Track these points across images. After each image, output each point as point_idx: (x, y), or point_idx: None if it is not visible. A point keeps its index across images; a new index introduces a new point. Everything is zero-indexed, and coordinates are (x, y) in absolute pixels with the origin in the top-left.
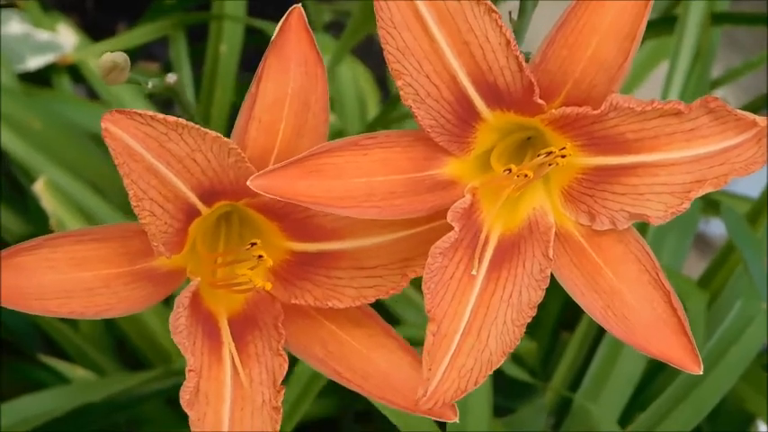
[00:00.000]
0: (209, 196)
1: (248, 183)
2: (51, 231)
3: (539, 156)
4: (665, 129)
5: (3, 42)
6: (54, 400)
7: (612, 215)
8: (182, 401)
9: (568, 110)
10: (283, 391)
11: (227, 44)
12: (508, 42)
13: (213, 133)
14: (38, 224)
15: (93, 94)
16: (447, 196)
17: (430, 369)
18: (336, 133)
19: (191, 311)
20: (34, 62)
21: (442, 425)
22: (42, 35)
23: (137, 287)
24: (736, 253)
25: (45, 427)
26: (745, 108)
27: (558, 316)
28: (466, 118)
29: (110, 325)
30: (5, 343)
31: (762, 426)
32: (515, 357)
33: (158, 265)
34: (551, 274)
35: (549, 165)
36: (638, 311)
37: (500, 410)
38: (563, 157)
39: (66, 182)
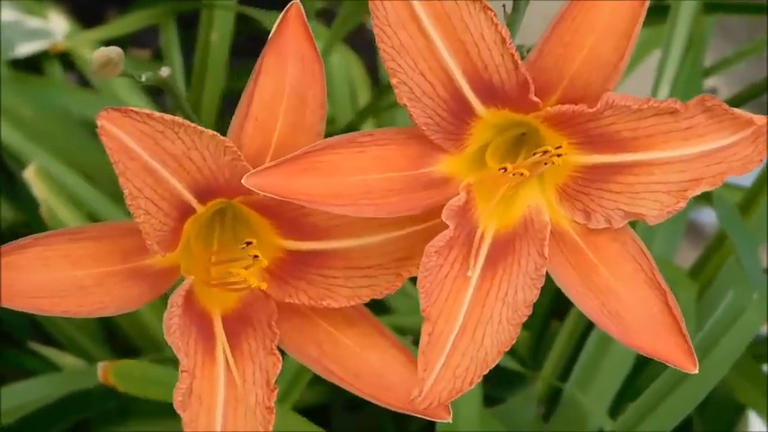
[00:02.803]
0: (204, 194)
1: (243, 181)
2: (42, 219)
3: (534, 154)
4: (661, 127)
5: None
6: (44, 387)
7: (608, 213)
8: (174, 403)
9: (564, 108)
10: (276, 391)
11: (219, 32)
12: (503, 40)
13: (209, 132)
14: (28, 212)
15: (84, 82)
16: (442, 193)
17: (425, 369)
18: (327, 121)
19: (184, 310)
20: (25, 49)
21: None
22: (33, 22)
23: (130, 285)
24: (727, 242)
25: (35, 414)
26: (737, 97)
27: (548, 305)
28: (461, 115)
29: None
30: None
31: (752, 416)
32: None
33: (152, 263)
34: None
35: (545, 163)
36: (634, 310)
37: (490, 400)
38: (558, 156)
39: (57, 169)
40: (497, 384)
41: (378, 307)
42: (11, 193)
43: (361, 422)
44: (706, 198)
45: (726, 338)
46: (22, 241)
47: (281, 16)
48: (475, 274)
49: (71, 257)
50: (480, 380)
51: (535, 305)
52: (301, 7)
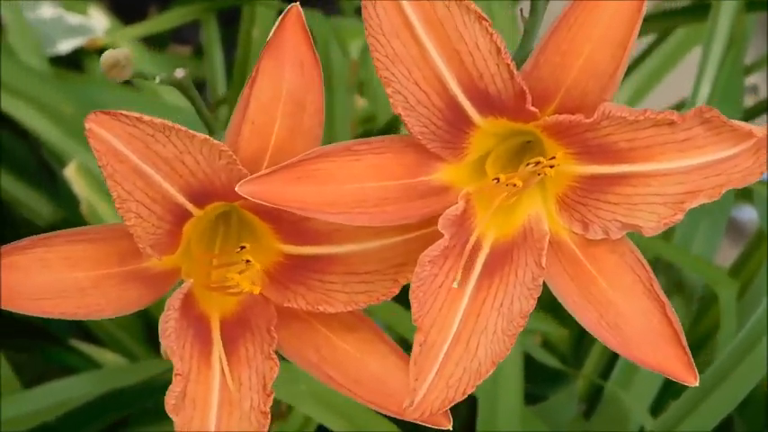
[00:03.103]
0: (200, 198)
1: (236, 188)
2: (82, 216)
3: (527, 166)
4: (659, 138)
5: (34, 26)
6: (85, 384)
7: (605, 224)
8: (167, 406)
9: (560, 118)
10: (272, 396)
11: (260, 28)
12: (498, 50)
13: (202, 136)
14: (69, 209)
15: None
16: (440, 203)
17: (417, 379)
18: (368, 118)
19: (181, 313)
20: (65, 45)
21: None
22: (73, 18)
23: (129, 288)
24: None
25: (76, 411)
26: None
27: None
28: (457, 124)
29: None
30: (37, 327)
31: None
32: (547, 344)
33: (150, 266)
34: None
35: (538, 174)
36: (633, 322)
37: (531, 398)
38: (551, 167)
39: (97, 166)
40: (539, 382)
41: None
42: (51, 191)
43: None
44: (746, 196)
45: (765, 338)
46: (22, 242)
47: (279, 19)
48: (470, 283)
49: (71, 259)
50: (521, 377)
51: None
52: (301, 10)
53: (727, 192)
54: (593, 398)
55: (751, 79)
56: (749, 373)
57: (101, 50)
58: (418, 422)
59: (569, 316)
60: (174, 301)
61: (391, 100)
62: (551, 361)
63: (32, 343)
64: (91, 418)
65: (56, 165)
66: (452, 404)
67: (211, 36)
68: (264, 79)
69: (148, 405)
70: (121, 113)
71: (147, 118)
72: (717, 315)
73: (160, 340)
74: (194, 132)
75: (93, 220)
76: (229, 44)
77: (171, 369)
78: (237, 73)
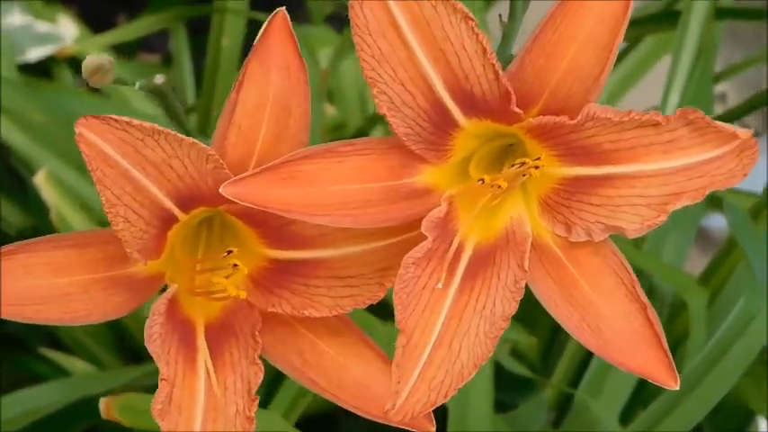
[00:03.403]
0: (186, 202)
1: (221, 190)
2: (52, 224)
3: (512, 166)
4: (643, 140)
5: (3, 33)
6: (54, 392)
7: (588, 226)
8: (153, 412)
9: (545, 119)
10: (257, 401)
11: (229, 37)
12: (485, 50)
13: (190, 140)
14: (38, 216)
15: (93, 86)
16: (423, 204)
17: (399, 382)
18: (337, 126)
19: (166, 318)
20: (35, 53)
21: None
22: (43, 26)
23: (114, 293)
24: (737, 249)
25: (45, 420)
26: (748, 102)
27: None
28: (442, 126)
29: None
30: (5, 336)
31: (762, 423)
32: (516, 353)
33: (136, 271)
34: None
35: (524, 175)
36: (614, 325)
37: (501, 406)
38: (536, 168)
39: (67, 174)
40: (508, 390)
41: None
42: (21, 198)
43: (367, 428)
44: (716, 204)
45: (737, 346)
46: (5, 248)
47: (265, 24)
48: (453, 286)
49: (54, 265)
50: (491, 385)
51: (544, 311)
52: (287, 15)
53: None
54: (563, 406)
55: (719, 87)
56: (720, 382)
57: (70, 59)
58: (401, 426)
59: (539, 324)
60: (158, 306)
61: (377, 100)
62: (521, 369)
63: (2, 351)
64: (60, 426)
65: (25, 172)
66: (434, 407)
67: (180, 45)
68: (251, 84)
69: None
70: (111, 118)
71: (136, 122)
72: (686, 322)
73: (145, 345)
74: (183, 136)
75: (63, 227)
76: (198, 53)
77: (139, 377)
78: (206, 81)
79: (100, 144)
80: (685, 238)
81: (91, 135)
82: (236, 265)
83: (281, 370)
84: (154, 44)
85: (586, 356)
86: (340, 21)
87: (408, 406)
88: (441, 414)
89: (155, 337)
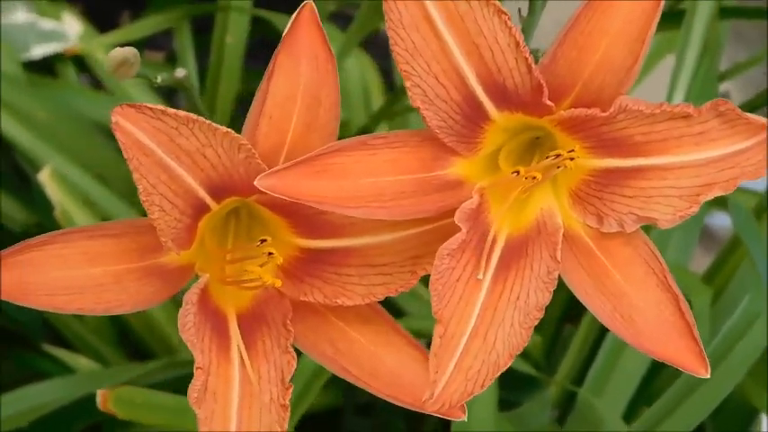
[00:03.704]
0: (218, 192)
1: (255, 182)
2: (56, 221)
3: (547, 158)
4: (674, 132)
5: (7, 31)
6: (58, 389)
7: (620, 217)
8: (190, 400)
9: (577, 111)
10: (291, 389)
11: (233, 35)
12: (517, 44)
13: (223, 129)
14: (42, 214)
15: (97, 84)
16: (455, 196)
17: (437, 371)
18: (341, 124)
19: (199, 308)
20: (39, 51)
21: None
22: (47, 24)
23: (146, 283)
24: (741, 248)
25: (49, 417)
26: (749, 102)
27: (561, 309)
28: (474, 119)
29: (113, 315)
30: (9, 333)
31: (765, 421)
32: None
33: (167, 261)
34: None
35: (558, 167)
36: (646, 314)
37: (504, 404)
38: (571, 159)
39: (72, 171)
40: (512, 388)
41: (391, 311)
42: (24, 195)
43: (373, 425)
44: (720, 203)
45: (740, 345)
46: (39, 238)
47: (294, 15)
48: (487, 277)
49: (88, 255)
50: (495, 383)
51: (548, 309)
52: (314, 7)
53: None
54: (567, 404)
55: (723, 86)
56: (724, 379)
57: (74, 57)
58: (437, 414)
59: (543, 322)
60: (191, 296)
61: (410, 93)
62: (524, 367)
63: (5, 348)
64: (63, 423)
65: (29, 170)
66: (471, 396)
67: (185, 43)
68: (281, 74)
69: None
70: (146, 106)
71: (171, 111)
72: None
73: (180, 334)
74: (216, 125)
75: (67, 224)
76: (202, 51)
77: (143, 374)
78: (210, 79)
79: (135, 132)
80: (690, 236)
81: (126, 123)
82: (270, 254)
83: (313, 359)
84: (158, 43)
85: (590, 354)
86: (344, 19)
87: (446, 395)
88: None
89: (189, 326)
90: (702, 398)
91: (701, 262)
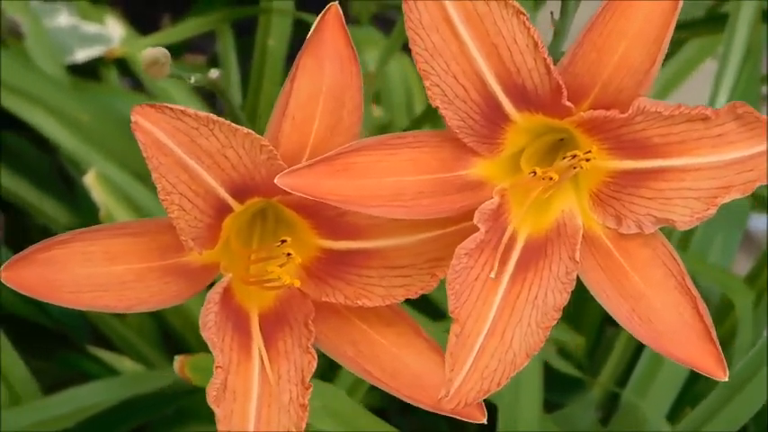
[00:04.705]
0: (241, 192)
1: (276, 180)
2: (100, 223)
3: (564, 159)
4: (693, 134)
5: (51, 34)
6: (103, 391)
7: (639, 219)
8: (208, 398)
9: (596, 113)
10: (311, 389)
11: (275, 38)
12: (536, 44)
13: (244, 129)
14: (87, 216)
15: (139, 87)
16: (475, 197)
17: (452, 369)
18: (383, 126)
19: (221, 307)
20: (82, 54)
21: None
22: (90, 27)
23: (169, 282)
24: None
25: (94, 418)
26: None
27: (603, 310)
28: (494, 119)
29: (156, 316)
30: (54, 334)
31: None
32: (563, 353)
33: (191, 260)
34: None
35: (574, 168)
36: (664, 316)
37: (548, 406)
38: (587, 160)
39: (115, 173)
40: (556, 390)
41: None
42: (68, 199)
43: (417, 425)
44: (762, 205)
45: None
46: (63, 236)
47: (319, 17)
48: (505, 277)
49: (111, 253)
50: (541, 385)
51: (590, 311)
52: (339, 9)
53: (743, 201)
54: (610, 405)
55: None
56: (767, 382)
57: (116, 59)
58: (453, 415)
59: (585, 324)
60: (213, 295)
61: (429, 93)
62: (568, 369)
63: (51, 349)
64: (110, 424)
65: (74, 172)
66: (487, 395)
67: (227, 46)
68: (305, 76)
69: (167, 412)
70: (166, 106)
71: (191, 111)
72: (733, 323)
73: (201, 332)
74: (237, 126)
75: None
76: (244, 54)
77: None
78: (253, 82)
79: (155, 132)
80: (732, 239)
81: (146, 123)
82: (289, 254)
83: (334, 360)
84: (200, 46)
85: (634, 356)
86: (386, 22)
87: (462, 393)
88: (491, 414)
89: (210, 324)
90: (746, 399)
91: (741, 265)
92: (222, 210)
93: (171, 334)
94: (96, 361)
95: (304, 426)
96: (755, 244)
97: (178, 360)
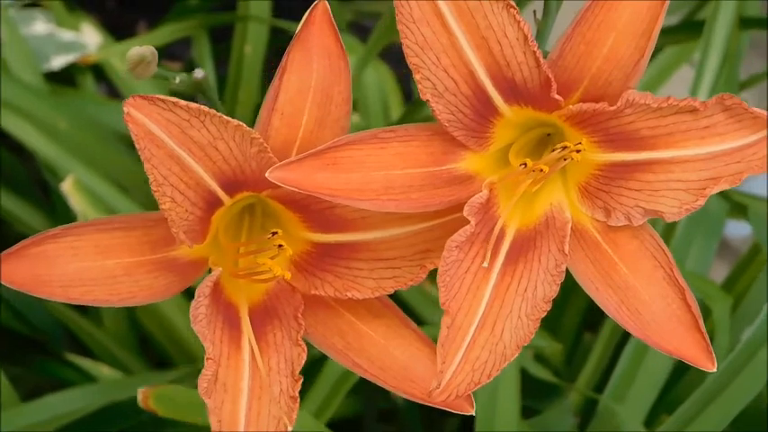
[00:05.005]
0: (231, 186)
1: (267, 174)
2: None
3: (554, 150)
4: (681, 126)
5: (28, 42)
6: (80, 398)
7: (628, 211)
8: (199, 389)
9: (585, 106)
10: (301, 381)
11: (252, 45)
12: (526, 38)
13: (235, 122)
14: (64, 224)
15: (115, 93)
16: (464, 190)
17: (444, 361)
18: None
19: (211, 300)
20: (58, 61)
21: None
22: (66, 34)
23: (159, 276)
24: (760, 256)
25: (71, 425)
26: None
27: (581, 317)
28: (484, 113)
29: (134, 323)
30: (30, 341)
31: None
32: (540, 358)
33: (180, 254)
34: (569, 273)
35: (565, 159)
36: (652, 307)
37: (526, 411)
38: (578, 152)
39: (93, 181)
40: (533, 396)
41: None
42: (46, 206)
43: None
44: (741, 211)
45: (761, 352)
46: (54, 231)
47: (307, 13)
48: (495, 269)
49: (100, 247)
50: (519, 391)
51: (567, 317)
52: (328, 5)
53: (720, 207)
54: (588, 411)
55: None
56: (745, 388)
57: (92, 66)
58: (443, 407)
59: (562, 330)
60: (203, 289)
61: (419, 86)
62: (546, 375)
63: (28, 356)
64: (88, 431)
65: (51, 180)
66: (477, 387)
67: (203, 52)
68: (293, 71)
69: (144, 418)
70: (158, 98)
71: (183, 103)
72: (710, 329)
73: (192, 326)
74: (228, 118)
75: None
76: (220, 60)
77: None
78: (229, 89)
79: (147, 124)
80: (709, 246)
81: (138, 114)
82: (281, 246)
83: (323, 352)
84: (176, 52)
85: (611, 361)
86: (362, 29)
87: (453, 385)
88: (468, 421)
89: (200, 318)
90: (723, 405)
91: (717, 271)
92: (212, 203)
93: (148, 339)
94: (73, 368)
95: (294, 417)
96: (732, 250)
97: (141, 392)
